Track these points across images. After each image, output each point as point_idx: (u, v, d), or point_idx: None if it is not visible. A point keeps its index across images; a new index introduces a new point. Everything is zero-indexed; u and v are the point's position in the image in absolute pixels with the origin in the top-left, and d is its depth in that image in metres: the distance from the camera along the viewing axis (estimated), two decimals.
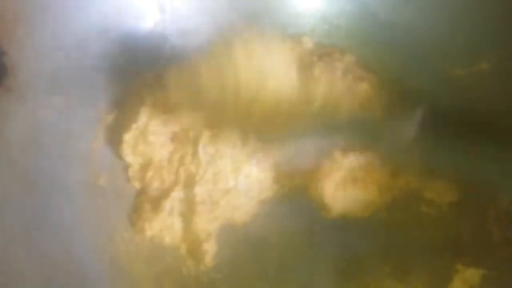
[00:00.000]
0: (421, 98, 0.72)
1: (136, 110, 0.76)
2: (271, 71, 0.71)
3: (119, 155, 0.75)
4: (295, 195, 0.74)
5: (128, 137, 0.74)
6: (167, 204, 0.71)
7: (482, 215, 0.68)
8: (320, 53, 0.77)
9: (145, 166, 0.74)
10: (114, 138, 0.76)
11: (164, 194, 0.72)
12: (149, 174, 0.73)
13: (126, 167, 0.75)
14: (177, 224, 0.71)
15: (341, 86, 0.73)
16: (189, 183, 0.72)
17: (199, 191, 0.71)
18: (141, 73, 0.81)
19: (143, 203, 0.72)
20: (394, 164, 0.72)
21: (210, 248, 0.71)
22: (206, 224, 0.71)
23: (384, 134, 0.72)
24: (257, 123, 0.70)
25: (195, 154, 0.72)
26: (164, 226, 0.71)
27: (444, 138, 0.67)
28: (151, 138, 0.74)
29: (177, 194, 0.72)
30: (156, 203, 0.71)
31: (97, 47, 0.77)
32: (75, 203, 0.72)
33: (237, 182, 0.73)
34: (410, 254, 0.70)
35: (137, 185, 0.74)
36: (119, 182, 0.75)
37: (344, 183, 0.71)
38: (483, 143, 0.64)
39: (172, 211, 0.71)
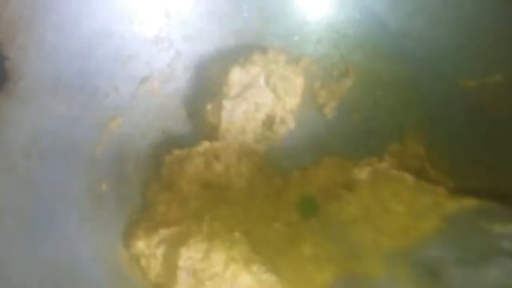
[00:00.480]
0: (432, 108, 0.72)
1: None
2: None
3: None
4: None
5: None
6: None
7: None
8: None
9: None
10: None
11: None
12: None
13: None
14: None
15: None
16: None
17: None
18: (145, 79, 0.81)
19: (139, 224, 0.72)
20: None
21: None
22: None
23: None
24: None
25: None
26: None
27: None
28: None
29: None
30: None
31: (100, 52, 0.76)
32: (78, 210, 0.70)
33: None
34: None
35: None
36: (122, 189, 0.75)
37: None
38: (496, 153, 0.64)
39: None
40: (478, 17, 0.71)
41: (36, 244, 0.64)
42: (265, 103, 0.78)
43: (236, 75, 0.79)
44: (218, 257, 0.65)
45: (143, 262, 0.69)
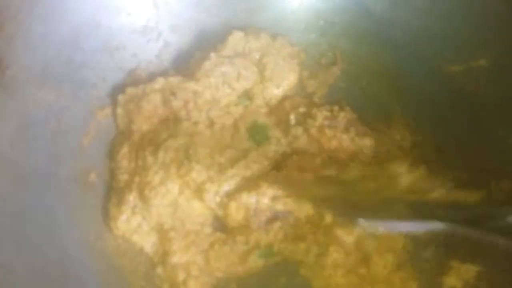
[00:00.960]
0: (418, 94, 0.72)
1: None
2: None
3: None
4: None
5: None
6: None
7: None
8: None
9: None
10: None
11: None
12: None
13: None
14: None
15: None
16: None
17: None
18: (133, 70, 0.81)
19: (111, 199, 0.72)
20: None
21: None
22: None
23: None
24: None
25: None
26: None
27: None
28: None
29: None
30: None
31: (88, 43, 0.76)
32: (66, 199, 0.70)
33: None
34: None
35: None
36: (110, 178, 0.74)
37: None
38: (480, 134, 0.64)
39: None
40: (462, 4, 0.71)
41: (24, 233, 0.64)
42: (248, 77, 0.77)
43: (235, 38, 0.79)
44: (173, 184, 0.69)
45: (134, 238, 0.70)
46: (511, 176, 0.66)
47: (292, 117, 0.77)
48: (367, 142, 0.73)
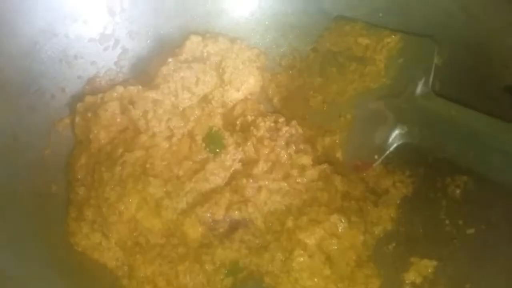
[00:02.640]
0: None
1: None
2: None
3: None
4: None
5: None
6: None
7: (434, 208, 0.69)
8: None
9: None
10: None
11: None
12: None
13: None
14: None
15: None
16: None
17: None
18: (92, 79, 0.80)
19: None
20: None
21: None
22: None
23: None
24: None
25: None
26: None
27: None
28: None
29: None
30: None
31: (45, 53, 0.75)
32: (29, 215, 0.69)
33: None
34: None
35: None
36: (68, 191, 0.74)
37: None
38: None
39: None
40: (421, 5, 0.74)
41: None
42: (207, 81, 0.77)
43: (193, 43, 0.79)
44: (131, 200, 0.68)
45: (96, 255, 0.69)
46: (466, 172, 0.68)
47: (238, 123, 0.77)
48: (304, 161, 0.74)
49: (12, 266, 0.63)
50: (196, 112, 0.77)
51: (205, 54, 0.79)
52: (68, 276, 0.67)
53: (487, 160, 0.64)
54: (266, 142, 0.74)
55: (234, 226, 0.70)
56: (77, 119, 0.76)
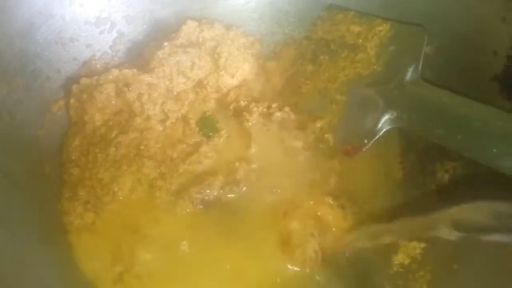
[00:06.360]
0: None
1: None
2: None
3: None
4: None
5: None
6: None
7: (423, 192, 0.71)
8: None
9: None
10: None
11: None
12: None
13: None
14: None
15: None
16: None
17: None
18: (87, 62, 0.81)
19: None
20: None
21: None
22: None
23: None
24: None
25: None
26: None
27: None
28: None
29: None
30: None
31: (41, 35, 0.76)
32: (23, 194, 0.69)
33: None
34: None
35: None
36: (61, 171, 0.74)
37: None
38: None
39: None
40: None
41: None
42: (202, 66, 0.78)
43: (190, 28, 0.79)
44: (125, 181, 0.69)
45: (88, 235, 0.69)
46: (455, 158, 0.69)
47: (231, 109, 0.78)
48: (296, 145, 0.75)
49: (3, 244, 0.63)
50: (190, 96, 0.78)
51: (201, 39, 0.80)
52: (61, 256, 0.68)
53: (475, 145, 0.65)
54: (258, 126, 0.75)
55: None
56: (72, 100, 0.76)
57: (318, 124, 0.77)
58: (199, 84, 0.79)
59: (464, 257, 0.63)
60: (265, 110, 0.77)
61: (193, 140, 0.75)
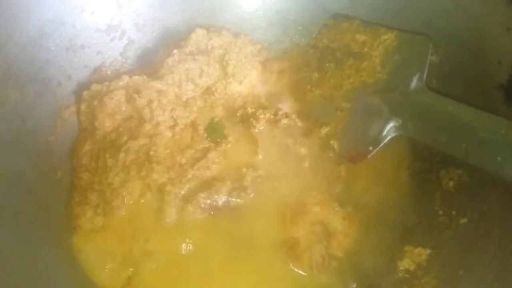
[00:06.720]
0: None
1: None
2: None
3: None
4: None
5: None
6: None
7: (428, 198, 0.72)
8: None
9: None
10: None
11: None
12: None
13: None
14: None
15: None
16: None
17: None
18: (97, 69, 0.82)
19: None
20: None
21: None
22: None
23: None
24: None
25: None
26: None
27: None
28: None
29: None
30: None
31: (52, 42, 0.77)
32: (34, 198, 0.70)
33: None
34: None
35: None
36: (71, 176, 0.76)
37: None
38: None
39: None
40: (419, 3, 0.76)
41: None
42: (210, 73, 0.80)
43: (198, 36, 0.81)
44: (134, 186, 0.71)
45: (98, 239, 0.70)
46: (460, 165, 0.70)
47: (239, 115, 0.79)
48: (302, 151, 0.76)
49: (15, 247, 0.64)
50: (199, 103, 0.79)
51: (209, 47, 0.81)
52: (70, 259, 0.69)
53: (479, 153, 0.66)
54: (265, 133, 0.76)
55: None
56: (83, 106, 0.78)
57: (324, 131, 0.78)
58: (208, 91, 0.80)
59: (469, 264, 0.64)
60: (271, 116, 0.78)
61: (201, 146, 0.76)
